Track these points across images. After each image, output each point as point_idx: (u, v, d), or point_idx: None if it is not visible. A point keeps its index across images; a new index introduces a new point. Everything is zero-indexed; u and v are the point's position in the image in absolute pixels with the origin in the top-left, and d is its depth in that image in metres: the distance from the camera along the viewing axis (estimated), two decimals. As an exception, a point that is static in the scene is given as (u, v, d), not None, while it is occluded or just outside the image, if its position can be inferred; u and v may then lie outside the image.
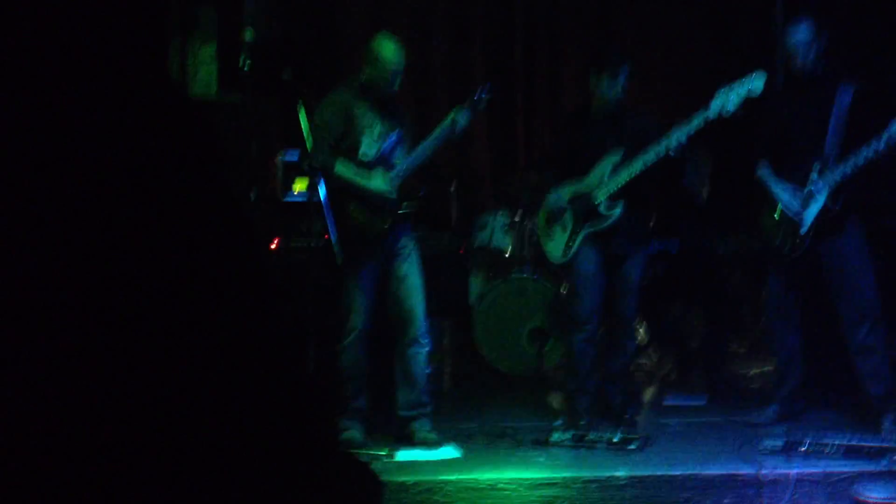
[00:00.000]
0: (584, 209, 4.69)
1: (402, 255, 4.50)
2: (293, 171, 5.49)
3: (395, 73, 4.35)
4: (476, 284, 6.41)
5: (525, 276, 6.01)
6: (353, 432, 4.45)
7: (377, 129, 4.40)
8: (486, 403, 5.46)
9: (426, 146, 4.42)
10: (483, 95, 4.49)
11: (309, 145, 4.11)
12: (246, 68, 4.13)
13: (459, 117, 4.40)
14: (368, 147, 4.38)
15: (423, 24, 7.43)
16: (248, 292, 1.30)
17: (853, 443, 4.06)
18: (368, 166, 4.38)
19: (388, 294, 4.51)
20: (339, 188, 4.29)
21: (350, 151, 4.34)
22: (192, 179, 1.25)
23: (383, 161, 4.42)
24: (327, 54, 4.39)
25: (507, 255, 6.17)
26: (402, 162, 4.44)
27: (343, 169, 4.31)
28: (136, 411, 1.16)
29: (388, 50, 4.34)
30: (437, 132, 4.42)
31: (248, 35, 4.18)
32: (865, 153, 4.36)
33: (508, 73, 7.58)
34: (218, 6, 5.64)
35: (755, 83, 4.38)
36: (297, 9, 7.10)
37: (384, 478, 3.79)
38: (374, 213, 4.36)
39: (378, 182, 4.35)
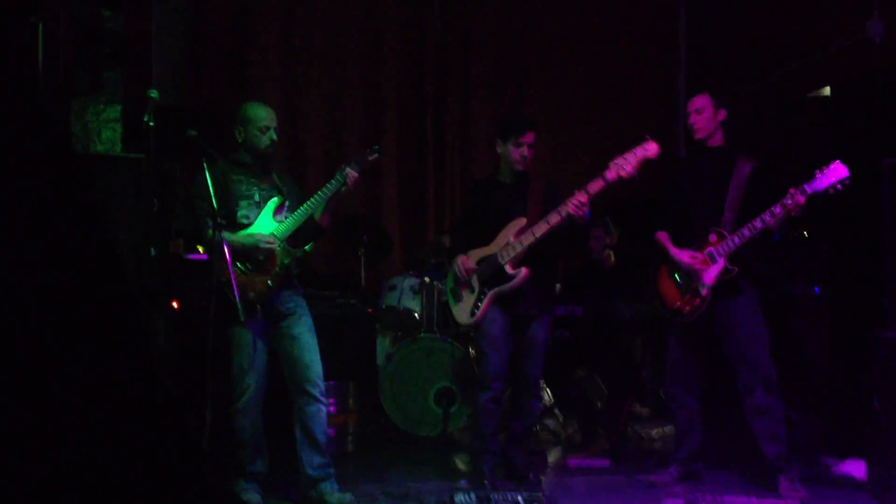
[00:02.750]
0: (491, 271, 4.75)
1: (293, 315, 4.47)
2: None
3: (265, 128, 4.45)
4: (384, 345, 6.39)
5: (433, 336, 6.01)
6: (252, 495, 4.35)
7: (255, 194, 4.46)
8: (390, 465, 5.39)
9: (309, 204, 4.44)
10: (371, 156, 4.53)
11: (214, 203, 4.07)
12: (150, 124, 4.11)
13: (344, 176, 4.41)
14: (248, 210, 4.43)
15: (336, 91, 7.48)
16: (130, 359, 1.27)
17: (751, 502, 4.14)
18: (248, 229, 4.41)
19: (283, 355, 4.45)
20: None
21: (229, 217, 4.34)
22: (71, 240, 1.23)
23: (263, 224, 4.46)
24: (234, 117, 4.41)
25: (416, 317, 6.17)
26: (285, 220, 4.46)
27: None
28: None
29: (255, 110, 4.48)
30: (322, 191, 4.44)
31: (154, 94, 4.18)
32: (759, 224, 4.56)
33: (419, 138, 7.68)
34: (125, 69, 5.68)
35: (647, 149, 4.55)
36: (206, 73, 7.10)
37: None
38: (255, 271, 4.36)
39: (248, 237, 4.35)
